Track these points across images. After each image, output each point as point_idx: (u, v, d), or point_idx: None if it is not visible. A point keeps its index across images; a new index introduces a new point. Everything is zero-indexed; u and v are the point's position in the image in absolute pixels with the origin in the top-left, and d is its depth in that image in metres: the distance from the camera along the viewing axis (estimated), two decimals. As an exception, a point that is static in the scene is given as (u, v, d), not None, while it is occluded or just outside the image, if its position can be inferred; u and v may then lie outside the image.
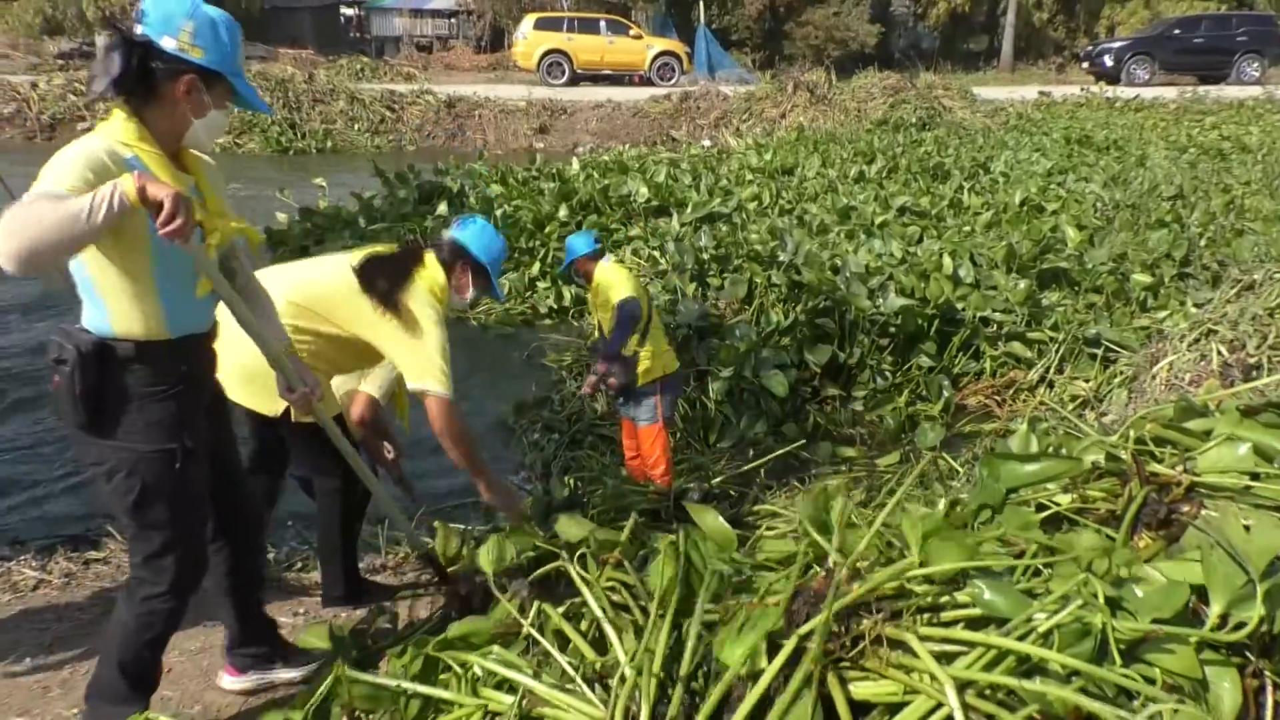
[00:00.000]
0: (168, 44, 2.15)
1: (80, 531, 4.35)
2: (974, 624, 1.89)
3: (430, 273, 3.16)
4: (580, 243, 4.89)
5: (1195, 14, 27.51)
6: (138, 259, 2.15)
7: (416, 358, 3.01)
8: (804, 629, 1.76)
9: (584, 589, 2.07)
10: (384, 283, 3.02)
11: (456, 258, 3.30)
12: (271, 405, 2.97)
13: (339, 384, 3.41)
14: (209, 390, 2.49)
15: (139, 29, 2.15)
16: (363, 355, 3.18)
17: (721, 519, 2.30)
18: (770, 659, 1.73)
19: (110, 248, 2.12)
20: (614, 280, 4.75)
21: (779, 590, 1.87)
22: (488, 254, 3.37)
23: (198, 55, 2.18)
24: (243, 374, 2.87)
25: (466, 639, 2.05)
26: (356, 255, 3.17)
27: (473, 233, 3.37)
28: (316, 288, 3.09)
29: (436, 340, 3.02)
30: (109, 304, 2.17)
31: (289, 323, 2.85)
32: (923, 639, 1.79)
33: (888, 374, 6.40)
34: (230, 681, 2.84)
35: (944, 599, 1.91)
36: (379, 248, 3.27)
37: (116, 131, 2.17)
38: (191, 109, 2.23)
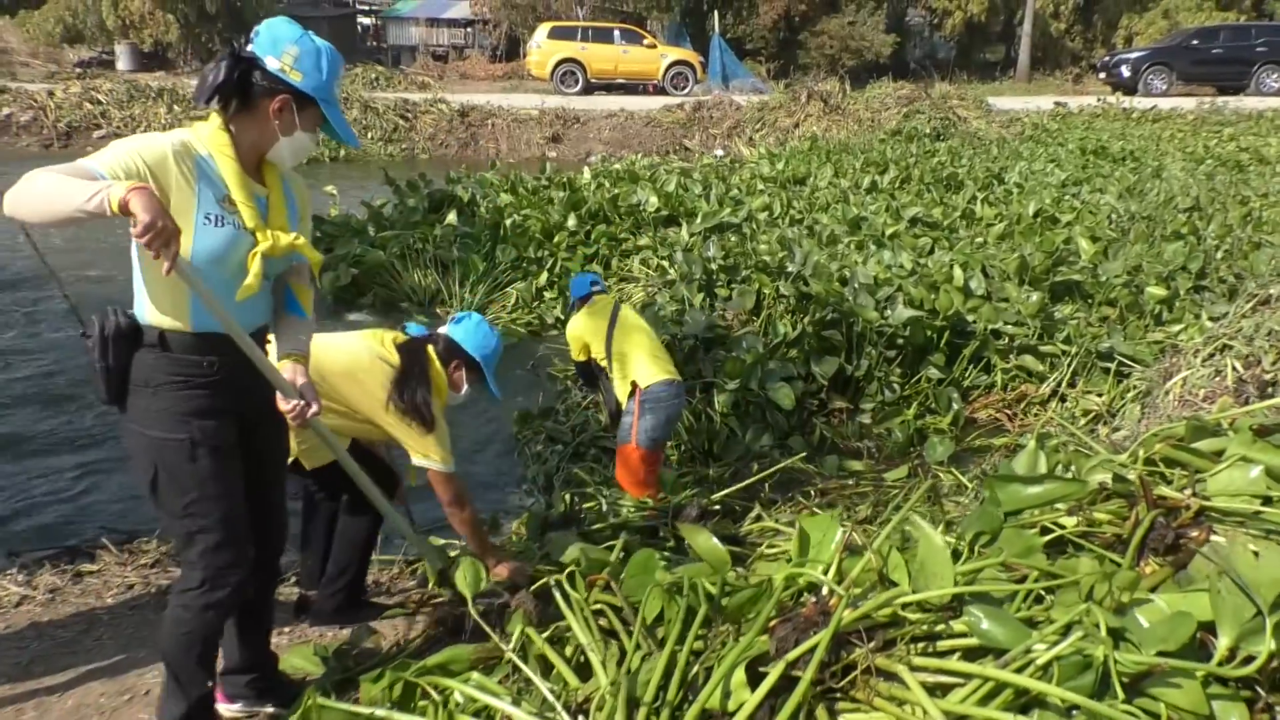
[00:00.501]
0: (271, 63, 2.31)
1: (77, 543, 4.32)
2: (972, 654, 1.82)
3: (435, 369, 3.33)
4: (575, 287, 5.27)
5: (1214, 24, 27.29)
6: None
7: (423, 443, 3.18)
8: (791, 656, 1.69)
9: (569, 613, 2.00)
10: (413, 393, 3.17)
11: (453, 355, 3.44)
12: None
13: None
14: (246, 396, 2.47)
15: (249, 47, 2.33)
16: (365, 430, 3.31)
17: (714, 540, 2.23)
18: (754, 686, 1.66)
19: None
20: (570, 337, 5.14)
21: (752, 617, 1.80)
22: (481, 351, 3.47)
23: (296, 78, 2.33)
24: None
25: (445, 665, 1.99)
26: (382, 348, 3.27)
27: (467, 330, 3.49)
28: (337, 368, 3.18)
29: (441, 430, 3.22)
30: (146, 291, 2.31)
31: None
32: (916, 670, 1.73)
33: (896, 386, 6.31)
34: (221, 707, 2.78)
35: (940, 627, 1.84)
36: (386, 336, 3.37)
37: (203, 132, 2.32)
38: (280, 127, 2.37)
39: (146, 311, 2.31)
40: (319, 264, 2.69)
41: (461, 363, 3.44)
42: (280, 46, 2.32)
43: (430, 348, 3.37)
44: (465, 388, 3.48)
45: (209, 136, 2.32)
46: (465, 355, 3.44)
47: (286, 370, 2.53)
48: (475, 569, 2.47)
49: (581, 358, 5.15)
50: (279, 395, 2.51)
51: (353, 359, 3.21)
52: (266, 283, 2.44)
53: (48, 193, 1.98)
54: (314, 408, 2.52)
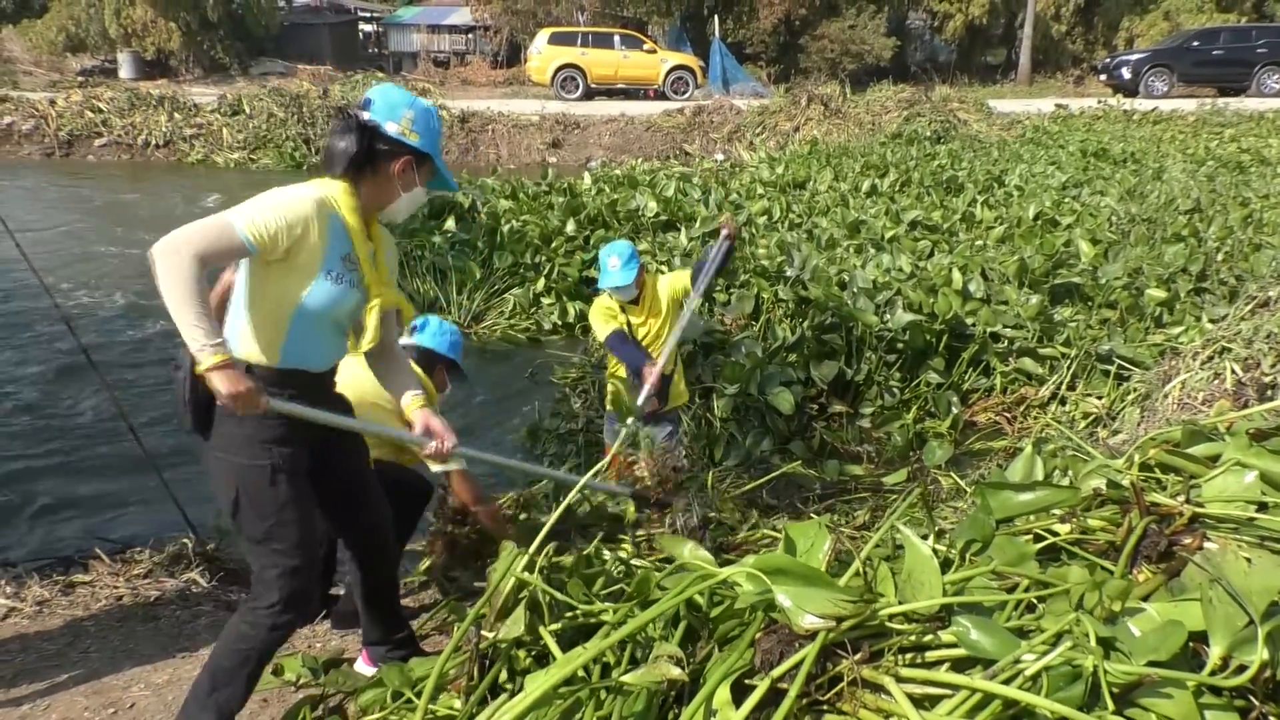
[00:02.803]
0: (391, 128, 2.53)
1: (71, 553, 4.31)
2: (960, 664, 1.79)
3: (422, 380, 3.40)
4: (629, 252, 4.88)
5: (1215, 26, 27.25)
6: (285, 301, 2.43)
7: None
8: (777, 672, 1.66)
9: (548, 638, 1.97)
10: None
11: (432, 361, 3.72)
12: None
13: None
14: (317, 425, 2.58)
15: (364, 115, 2.53)
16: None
17: (702, 550, 2.20)
18: (739, 701, 1.64)
19: (273, 282, 2.41)
20: (669, 290, 4.94)
21: (737, 632, 1.77)
22: (452, 349, 3.79)
23: (414, 139, 2.56)
24: None
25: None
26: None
27: (432, 333, 3.76)
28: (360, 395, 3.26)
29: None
30: (242, 324, 2.45)
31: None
32: (903, 681, 1.70)
33: (895, 390, 6.28)
34: (362, 667, 3.05)
35: (928, 638, 1.81)
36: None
37: (334, 190, 2.50)
38: (403, 185, 2.60)
39: (239, 345, 2.44)
40: (411, 315, 3.00)
41: (442, 366, 3.71)
42: (399, 112, 2.54)
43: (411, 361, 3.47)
44: (449, 387, 3.77)
45: (340, 197, 2.50)
46: (442, 358, 3.72)
47: (421, 415, 2.76)
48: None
49: (635, 320, 4.83)
50: (424, 446, 2.75)
51: (366, 385, 3.25)
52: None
53: (173, 294, 2.17)
54: (449, 442, 2.74)
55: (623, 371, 4.86)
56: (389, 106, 2.54)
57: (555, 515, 2.56)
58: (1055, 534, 2.25)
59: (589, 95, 25.07)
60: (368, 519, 2.87)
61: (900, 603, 1.82)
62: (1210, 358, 4.82)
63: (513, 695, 1.97)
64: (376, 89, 2.60)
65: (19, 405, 6.66)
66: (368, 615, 3.01)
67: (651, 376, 4.48)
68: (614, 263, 4.65)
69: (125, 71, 31.21)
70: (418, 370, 3.40)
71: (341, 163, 2.49)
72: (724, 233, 4.64)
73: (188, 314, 2.17)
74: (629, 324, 4.81)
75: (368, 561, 2.92)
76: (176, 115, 20.20)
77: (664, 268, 8.51)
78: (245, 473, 2.45)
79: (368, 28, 41.46)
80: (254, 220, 2.30)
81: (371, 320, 2.60)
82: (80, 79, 28.08)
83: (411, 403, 2.76)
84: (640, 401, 4.49)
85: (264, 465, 2.45)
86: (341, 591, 3.68)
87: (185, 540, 4.19)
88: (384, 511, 2.92)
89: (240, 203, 2.39)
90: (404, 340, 3.68)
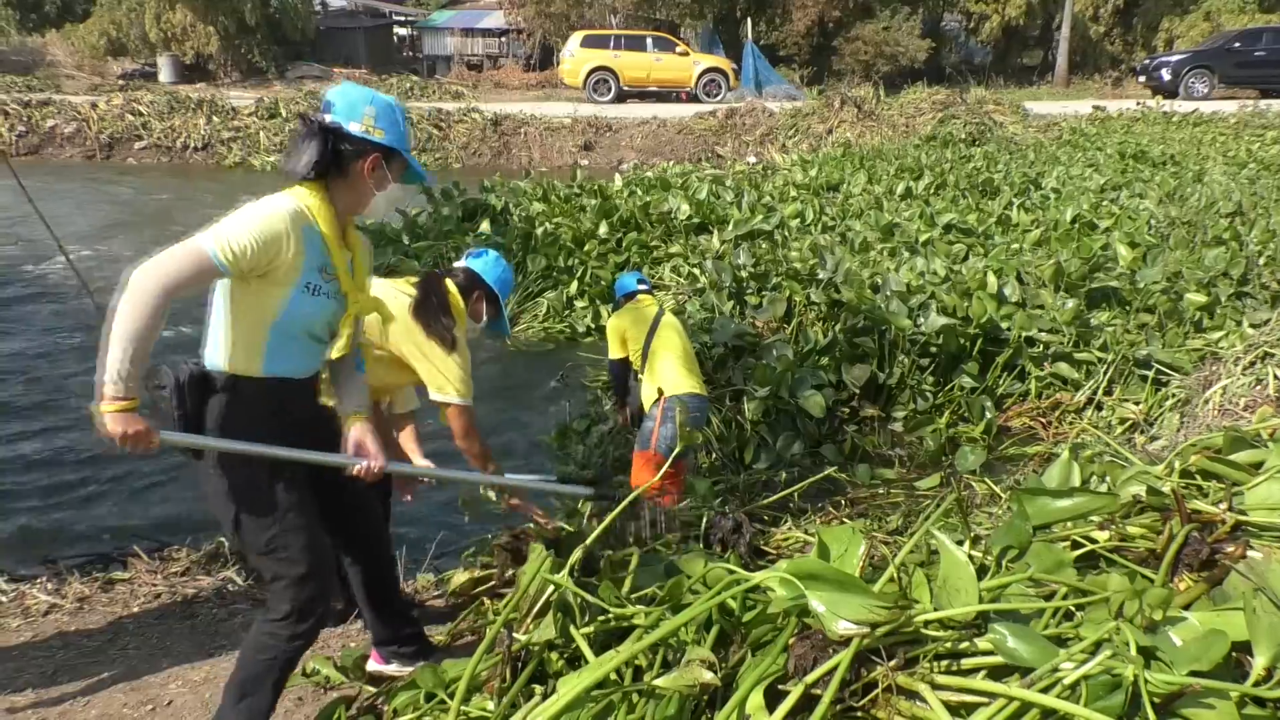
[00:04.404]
0: (354, 128, 2.48)
1: (110, 550, 4.37)
2: (997, 672, 1.77)
3: (455, 299, 3.47)
4: (621, 284, 5.43)
5: (1257, 26, 26.77)
6: (264, 315, 2.41)
7: (444, 367, 3.31)
8: (811, 678, 1.65)
9: (575, 634, 1.97)
10: (437, 313, 3.34)
11: (474, 285, 3.61)
12: None
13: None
14: (310, 431, 2.61)
15: (326, 117, 2.48)
16: (397, 373, 3.43)
17: (717, 562, 2.20)
18: (772, 707, 1.63)
19: (250, 296, 2.39)
20: (611, 330, 5.20)
21: (770, 638, 1.76)
22: (500, 284, 3.67)
23: (379, 135, 2.51)
24: None
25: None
26: (402, 284, 3.47)
27: (487, 263, 3.67)
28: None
29: (463, 356, 3.35)
30: (222, 337, 2.43)
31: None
32: (938, 688, 1.68)
33: (928, 394, 6.23)
34: (375, 665, 3.06)
35: (964, 645, 1.79)
36: (401, 280, 3.54)
37: (308, 201, 2.47)
38: (375, 183, 2.56)
39: (220, 358, 2.43)
40: (390, 315, 2.92)
41: (482, 294, 3.61)
42: (359, 110, 2.49)
43: (449, 280, 3.52)
44: (484, 319, 3.64)
45: (315, 207, 2.47)
46: (486, 287, 3.61)
47: (357, 429, 2.68)
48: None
49: (619, 354, 5.17)
50: (351, 466, 2.66)
51: (391, 298, 3.30)
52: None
53: (121, 327, 2.14)
54: (377, 463, 2.66)
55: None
56: (349, 105, 2.50)
57: (596, 532, 2.55)
58: (1094, 541, 2.22)
59: (621, 98, 25.10)
60: (363, 524, 2.88)
61: (936, 609, 1.80)
62: (1252, 363, 4.75)
63: (545, 697, 1.97)
64: (335, 90, 2.56)
65: (55, 404, 6.77)
66: (373, 616, 3.02)
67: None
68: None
69: (165, 75, 31.68)
70: (454, 292, 3.46)
71: (304, 169, 2.45)
72: None
73: (122, 350, 2.14)
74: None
75: (368, 564, 2.93)
76: (214, 118, 20.47)
77: (696, 270, 8.50)
78: (242, 484, 2.44)
79: (402, 31, 41.79)
80: (227, 242, 2.27)
81: (347, 329, 2.60)
82: (121, 83, 28.55)
83: (352, 416, 2.70)
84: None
85: (260, 473, 2.45)
86: None
87: (221, 539, 4.24)
88: (378, 512, 2.94)
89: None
90: (458, 263, 3.71)
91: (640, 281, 5.40)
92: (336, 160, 2.48)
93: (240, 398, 2.44)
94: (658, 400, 4.75)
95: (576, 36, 25.99)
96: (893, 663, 1.71)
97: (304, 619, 2.51)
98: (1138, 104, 21.99)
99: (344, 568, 3.52)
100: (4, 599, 3.67)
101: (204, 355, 2.45)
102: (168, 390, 2.36)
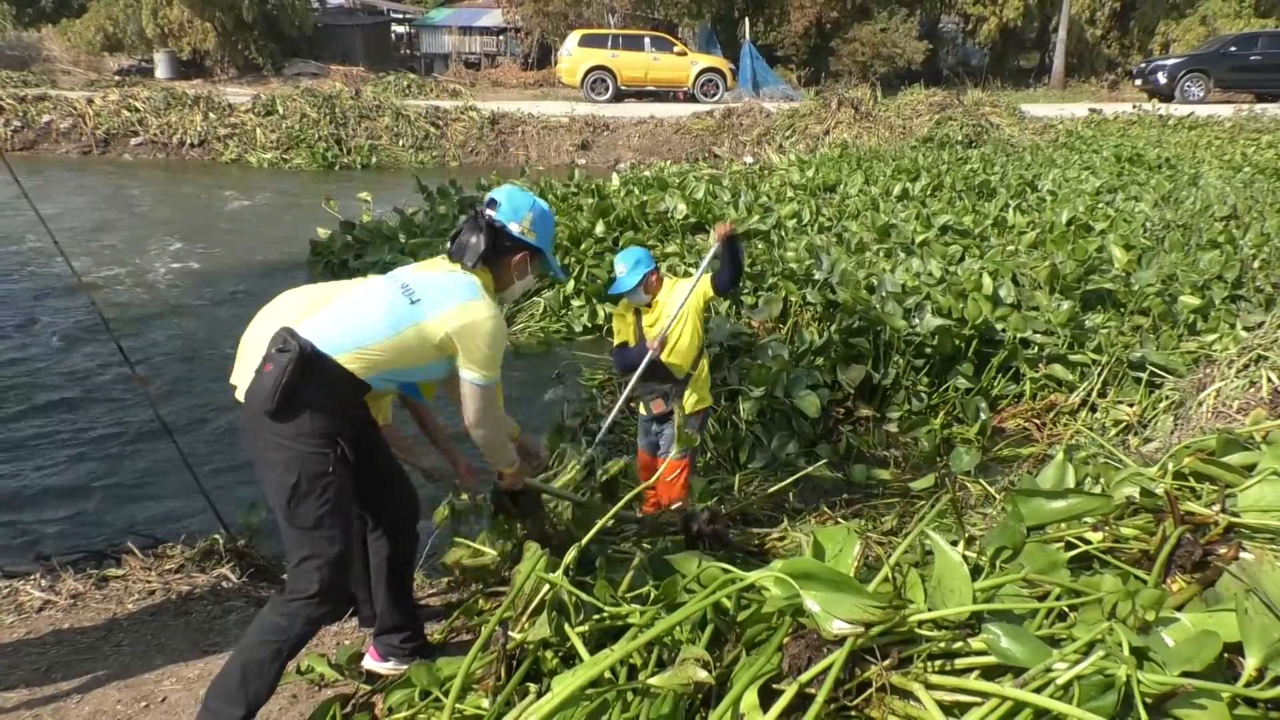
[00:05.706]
0: (514, 228, 2.91)
1: (104, 546, 4.36)
2: (990, 672, 1.78)
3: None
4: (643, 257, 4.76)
5: (1252, 31, 26.86)
6: (413, 363, 2.74)
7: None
8: (805, 678, 1.66)
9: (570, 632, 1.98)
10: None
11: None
12: None
13: None
14: (364, 427, 2.88)
15: (489, 212, 2.90)
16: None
17: (711, 561, 2.20)
18: (767, 705, 1.63)
19: (408, 355, 2.70)
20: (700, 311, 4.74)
21: (765, 637, 1.76)
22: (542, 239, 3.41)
23: (532, 237, 2.95)
24: None
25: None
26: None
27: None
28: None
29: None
30: (362, 341, 2.64)
31: None
32: (932, 688, 1.69)
33: (923, 395, 6.24)
34: (371, 663, 3.09)
35: (958, 645, 1.80)
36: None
37: (486, 286, 2.86)
38: (517, 274, 2.99)
39: (345, 350, 2.62)
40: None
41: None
42: (521, 214, 2.92)
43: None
44: (529, 276, 3.32)
45: (488, 290, 2.87)
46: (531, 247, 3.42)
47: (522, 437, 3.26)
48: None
49: (642, 326, 4.75)
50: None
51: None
52: None
53: (497, 454, 2.99)
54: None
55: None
56: (514, 209, 2.91)
57: (592, 533, 2.56)
58: (1087, 542, 2.23)
59: (619, 97, 25.10)
60: (399, 495, 3.05)
61: (930, 609, 1.81)
62: (1246, 365, 4.76)
63: (540, 696, 1.98)
64: (502, 191, 2.95)
65: (53, 402, 6.76)
66: (388, 599, 3.07)
67: (654, 344, 4.52)
68: (620, 269, 4.68)
69: (161, 71, 31.60)
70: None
71: (473, 257, 2.82)
72: (721, 233, 4.52)
73: (505, 454, 3.00)
74: (639, 327, 4.82)
75: (397, 537, 3.05)
76: (211, 115, 20.41)
77: (692, 269, 8.50)
78: (310, 459, 2.58)
79: (400, 29, 41.70)
80: (493, 369, 2.76)
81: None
82: (117, 78, 28.51)
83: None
84: (640, 368, 4.55)
85: (327, 454, 2.60)
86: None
87: (216, 536, 4.23)
88: (411, 488, 3.08)
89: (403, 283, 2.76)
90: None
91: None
92: (495, 252, 2.87)
93: (338, 388, 2.63)
94: (696, 411, 4.78)
95: (574, 36, 25.97)
96: (887, 662, 1.72)
97: (325, 601, 2.63)
98: (1134, 107, 22.06)
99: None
100: (-2, 595, 3.66)
101: (318, 331, 2.60)
102: (288, 354, 2.52)
